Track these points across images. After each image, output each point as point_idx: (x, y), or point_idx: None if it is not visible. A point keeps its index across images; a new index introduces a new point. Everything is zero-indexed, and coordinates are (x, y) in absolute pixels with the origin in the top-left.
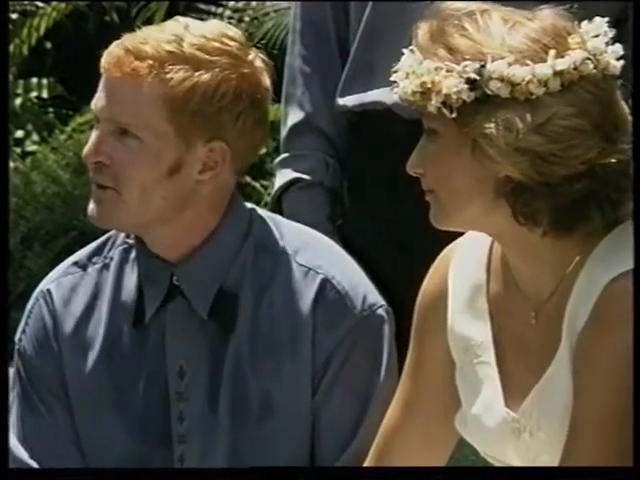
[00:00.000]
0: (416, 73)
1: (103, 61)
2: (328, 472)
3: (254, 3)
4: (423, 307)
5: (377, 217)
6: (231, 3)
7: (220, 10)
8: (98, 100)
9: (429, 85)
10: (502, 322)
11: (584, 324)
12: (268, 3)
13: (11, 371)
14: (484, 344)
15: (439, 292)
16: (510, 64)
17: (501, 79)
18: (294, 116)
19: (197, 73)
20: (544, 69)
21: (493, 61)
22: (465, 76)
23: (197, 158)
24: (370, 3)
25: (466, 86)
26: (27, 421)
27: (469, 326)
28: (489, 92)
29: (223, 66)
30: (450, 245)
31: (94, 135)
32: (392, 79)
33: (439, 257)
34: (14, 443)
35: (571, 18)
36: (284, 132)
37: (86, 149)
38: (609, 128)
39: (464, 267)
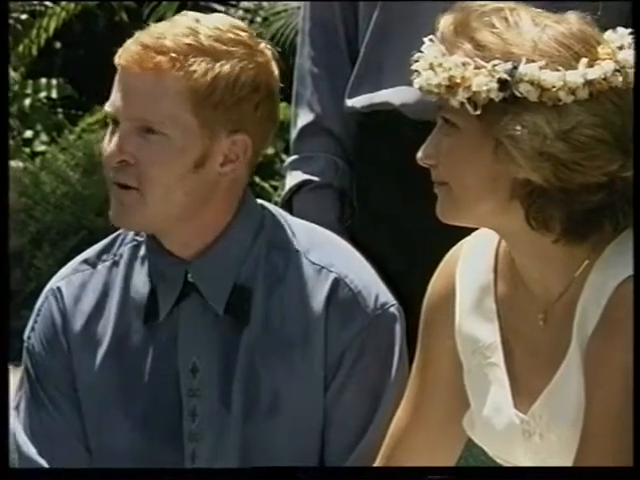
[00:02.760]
0: (443, 66)
1: (120, 59)
2: (328, 472)
3: (265, 3)
4: (430, 308)
5: (386, 217)
6: (243, 3)
7: (232, 11)
8: (116, 100)
9: (458, 80)
10: (510, 323)
11: (595, 325)
12: (279, 3)
13: (13, 370)
14: (492, 345)
15: (446, 292)
16: (541, 68)
17: (532, 82)
18: (304, 117)
19: (218, 64)
20: (575, 77)
21: (525, 63)
22: (496, 76)
23: (220, 151)
24: (379, 4)
25: (496, 85)
26: (35, 418)
27: (477, 327)
28: (518, 94)
29: (241, 56)
30: (456, 245)
31: (115, 135)
32: (413, 68)
33: (446, 257)
34: (23, 439)
35: (595, 25)
36: (294, 133)
37: (108, 150)
38: (627, 140)
39: (471, 267)
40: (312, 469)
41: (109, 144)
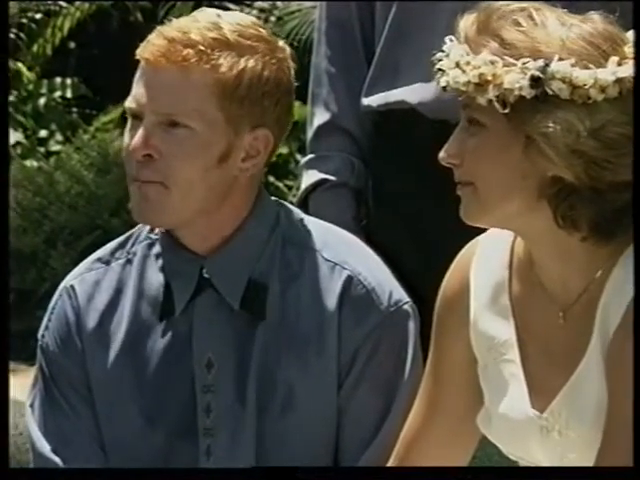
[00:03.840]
0: (471, 64)
1: (144, 53)
2: (329, 472)
3: (280, 3)
4: (444, 305)
5: (402, 216)
6: (257, 3)
7: (247, 10)
8: (138, 94)
9: (489, 77)
10: (525, 320)
11: (617, 325)
12: (293, 2)
13: (29, 370)
14: (508, 342)
15: (460, 290)
16: (573, 66)
17: (564, 80)
18: (320, 117)
19: (243, 59)
20: (606, 75)
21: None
22: (528, 73)
23: (242, 146)
24: (396, 3)
25: (528, 83)
26: (49, 417)
27: (492, 324)
28: (550, 92)
29: (263, 51)
30: (470, 242)
31: (138, 130)
32: (437, 67)
33: (460, 255)
34: (37, 436)
35: (617, 24)
36: (310, 133)
37: (132, 144)
38: None
39: (486, 265)
40: (313, 469)
41: (131, 139)
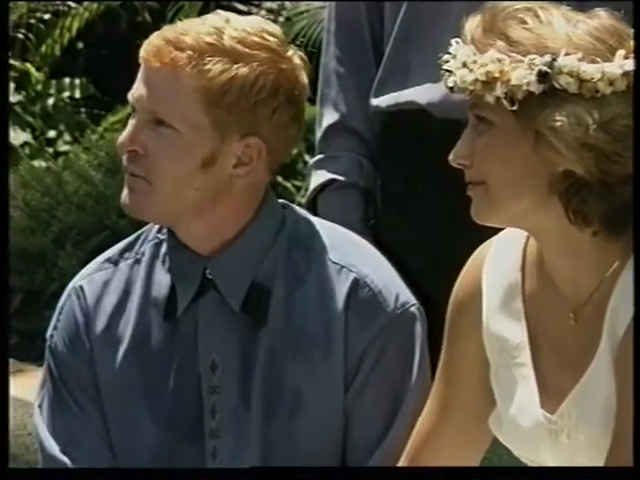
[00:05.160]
0: (478, 62)
1: (142, 51)
2: (328, 472)
3: (288, 3)
4: (456, 307)
5: (410, 217)
6: (266, 3)
7: (255, 11)
8: (135, 90)
9: (496, 74)
10: (538, 322)
11: (627, 326)
12: (302, 3)
13: (38, 370)
14: (520, 345)
15: (472, 292)
16: (580, 60)
17: (571, 74)
18: (329, 117)
19: (235, 66)
20: (613, 68)
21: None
22: (536, 69)
23: (232, 152)
24: (405, 3)
25: (535, 78)
26: (58, 417)
27: (505, 327)
28: (558, 86)
29: (262, 60)
30: (483, 244)
31: (130, 124)
32: (445, 68)
33: (472, 257)
34: (45, 436)
35: (623, 21)
36: (319, 133)
37: (121, 137)
38: None
39: (498, 266)
40: (312, 469)
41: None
